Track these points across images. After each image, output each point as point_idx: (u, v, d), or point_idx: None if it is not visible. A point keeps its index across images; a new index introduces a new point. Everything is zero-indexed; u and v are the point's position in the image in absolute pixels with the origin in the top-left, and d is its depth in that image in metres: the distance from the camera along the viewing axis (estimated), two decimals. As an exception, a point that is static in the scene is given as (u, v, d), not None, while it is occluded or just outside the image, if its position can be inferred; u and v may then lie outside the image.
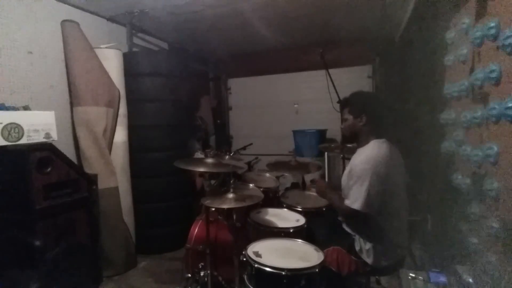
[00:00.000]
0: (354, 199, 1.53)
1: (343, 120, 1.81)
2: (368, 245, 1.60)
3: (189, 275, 2.07)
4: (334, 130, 3.71)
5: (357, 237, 1.65)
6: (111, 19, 3.06)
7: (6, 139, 1.75)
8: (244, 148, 3.89)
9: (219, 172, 2.28)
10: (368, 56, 4.13)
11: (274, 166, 2.66)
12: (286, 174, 2.71)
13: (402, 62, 3.31)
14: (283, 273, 1.33)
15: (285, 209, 2.14)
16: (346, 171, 1.75)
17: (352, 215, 1.57)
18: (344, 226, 1.79)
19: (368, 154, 1.59)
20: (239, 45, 4.29)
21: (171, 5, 2.76)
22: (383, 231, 1.58)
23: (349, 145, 2.34)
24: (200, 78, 4.83)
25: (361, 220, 1.58)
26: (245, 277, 1.45)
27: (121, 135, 2.73)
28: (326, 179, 2.46)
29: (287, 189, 2.75)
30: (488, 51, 1.31)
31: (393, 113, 3.61)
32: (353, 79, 4.09)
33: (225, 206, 1.74)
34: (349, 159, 1.97)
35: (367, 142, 1.70)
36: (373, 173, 1.51)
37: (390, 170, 1.55)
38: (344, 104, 1.81)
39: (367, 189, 1.50)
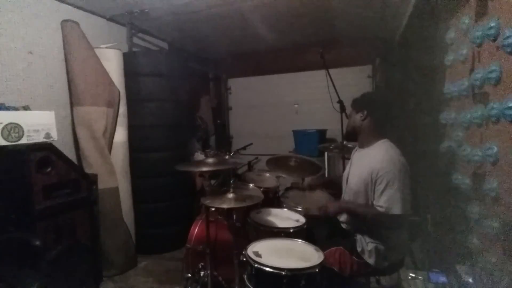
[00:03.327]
0: (391, 204, 1.47)
1: (348, 117, 1.88)
2: (370, 246, 1.59)
3: (189, 275, 2.06)
4: (334, 130, 3.70)
5: (358, 237, 1.64)
6: (111, 19, 3.06)
7: (6, 139, 1.74)
8: (244, 148, 3.89)
9: (219, 172, 2.28)
10: (368, 56, 4.13)
11: (275, 164, 2.65)
12: (284, 176, 2.70)
13: (402, 62, 3.31)
14: (283, 273, 1.33)
15: (285, 209, 2.14)
16: (354, 174, 1.71)
17: (389, 221, 1.51)
18: (344, 226, 1.78)
19: (388, 156, 1.56)
20: (239, 45, 4.29)
21: (171, 5, 2.76)
22: (389, 229, 1.57)
23: (349, 145, 2.34)
24: (200, 78, 4.83)
25: (398, 224, 1.54)
26: (245, 277, 1.45)
27: (121, 135, 2.72)
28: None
29: (287, 189, 2.74)
30: (488, 51, 1.31)
31: (393, 113, 3.61)
32: (353, 79, 4.10)
33: (225, 206, 1.74)
34: (349, 159, 1.97)
35: (371, 143, 1.69)
36: (401, 173, 1.50)
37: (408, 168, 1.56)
38: (352, 102, 1.83)
39: (402, 191, 1.48)
